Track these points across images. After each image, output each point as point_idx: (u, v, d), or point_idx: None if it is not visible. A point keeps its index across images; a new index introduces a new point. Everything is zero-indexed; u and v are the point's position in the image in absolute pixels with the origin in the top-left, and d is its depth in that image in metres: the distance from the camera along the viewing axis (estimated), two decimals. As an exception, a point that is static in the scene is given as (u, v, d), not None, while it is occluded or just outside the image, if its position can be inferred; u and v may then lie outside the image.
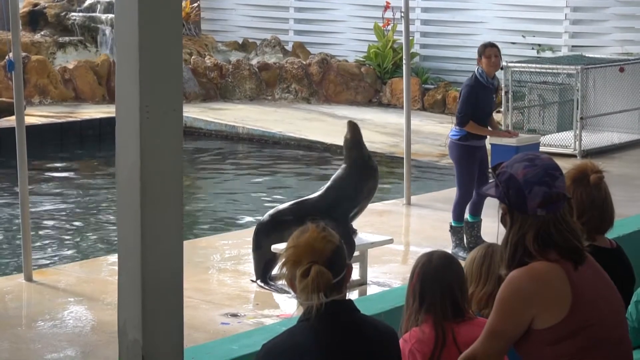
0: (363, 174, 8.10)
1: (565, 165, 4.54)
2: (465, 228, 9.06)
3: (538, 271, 3.34)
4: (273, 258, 7.59)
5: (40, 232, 10.34)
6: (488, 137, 9.35)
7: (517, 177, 3.35)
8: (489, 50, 8.95)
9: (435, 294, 3.92)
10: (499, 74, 14.95)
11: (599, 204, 4.53)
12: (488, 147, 9.66)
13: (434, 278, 3.93)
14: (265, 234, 7.98)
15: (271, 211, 8.25)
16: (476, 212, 9.05)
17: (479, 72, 8.95)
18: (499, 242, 3.54)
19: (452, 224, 9.05)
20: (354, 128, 8.26)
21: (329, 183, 8.20)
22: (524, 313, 3.32)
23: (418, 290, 3.93)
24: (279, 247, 7.38)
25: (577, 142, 14.01)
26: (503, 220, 3.47)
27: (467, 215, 9.07)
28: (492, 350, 3.39)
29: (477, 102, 8.89)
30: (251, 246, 8.18)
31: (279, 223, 7.91)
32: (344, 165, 8.22)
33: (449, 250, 7.88)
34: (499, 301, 3.36)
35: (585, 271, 3.43)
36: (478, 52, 9.03)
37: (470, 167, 8.92)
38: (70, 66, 17.80)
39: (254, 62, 19.28)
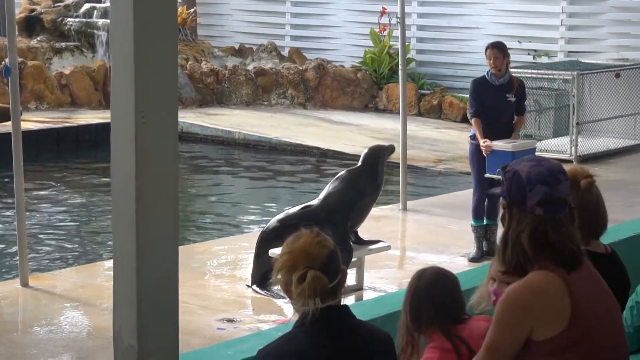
0: (362, 182, 8.03)
1: (560, 170, 4.53)
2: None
3: (537, 283, 3.33)
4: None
5: (37, 238, 10.32)
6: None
7: (522, 173, 3.39)
8: (489, 52, 8.90)
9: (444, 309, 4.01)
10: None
11: (591, 207, 4.52)
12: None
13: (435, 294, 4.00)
14: (269, 242, 7.83)
15: (275, 219, 8.11)
16: (489, 214, 8.98)
17: (487, 70, 8.97)
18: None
19: (471, 223, 9.09)
20: (391, 151, 8.49)
21: (329, 187, 8.12)
22: (522, 327, 3.30)
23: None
24: (275, 251, 7.35)
25: (573, 148, 14.03)
26: (502, 218, 3.48)
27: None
28: None
29: (479, 99, 8.88)
30: (250, 252, 8.12)
31: (284, 231, 7.72)
32: (349, 169, 8.20)
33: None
34: (498, 314, 3.35)
35: (582, 277, 3.41)
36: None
37: (478, 167, 8.91)
38: (67, 71, 17.80)
39: (250, 67, 19.28)
